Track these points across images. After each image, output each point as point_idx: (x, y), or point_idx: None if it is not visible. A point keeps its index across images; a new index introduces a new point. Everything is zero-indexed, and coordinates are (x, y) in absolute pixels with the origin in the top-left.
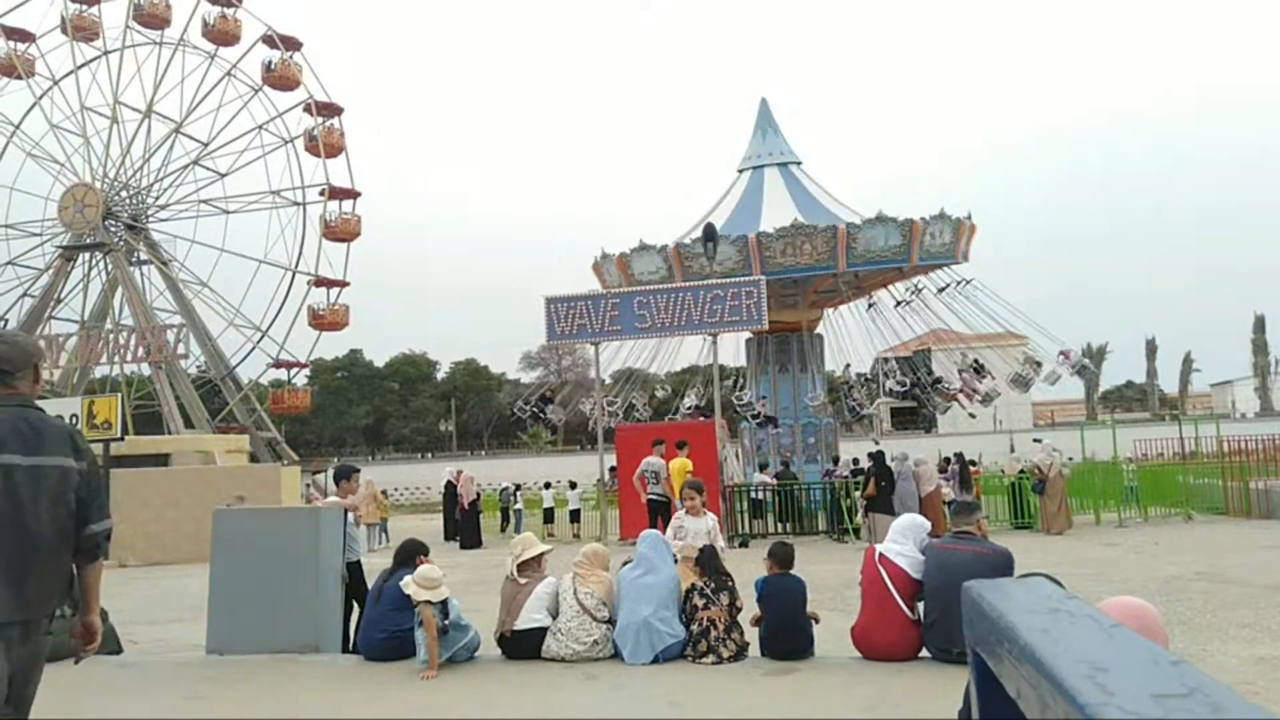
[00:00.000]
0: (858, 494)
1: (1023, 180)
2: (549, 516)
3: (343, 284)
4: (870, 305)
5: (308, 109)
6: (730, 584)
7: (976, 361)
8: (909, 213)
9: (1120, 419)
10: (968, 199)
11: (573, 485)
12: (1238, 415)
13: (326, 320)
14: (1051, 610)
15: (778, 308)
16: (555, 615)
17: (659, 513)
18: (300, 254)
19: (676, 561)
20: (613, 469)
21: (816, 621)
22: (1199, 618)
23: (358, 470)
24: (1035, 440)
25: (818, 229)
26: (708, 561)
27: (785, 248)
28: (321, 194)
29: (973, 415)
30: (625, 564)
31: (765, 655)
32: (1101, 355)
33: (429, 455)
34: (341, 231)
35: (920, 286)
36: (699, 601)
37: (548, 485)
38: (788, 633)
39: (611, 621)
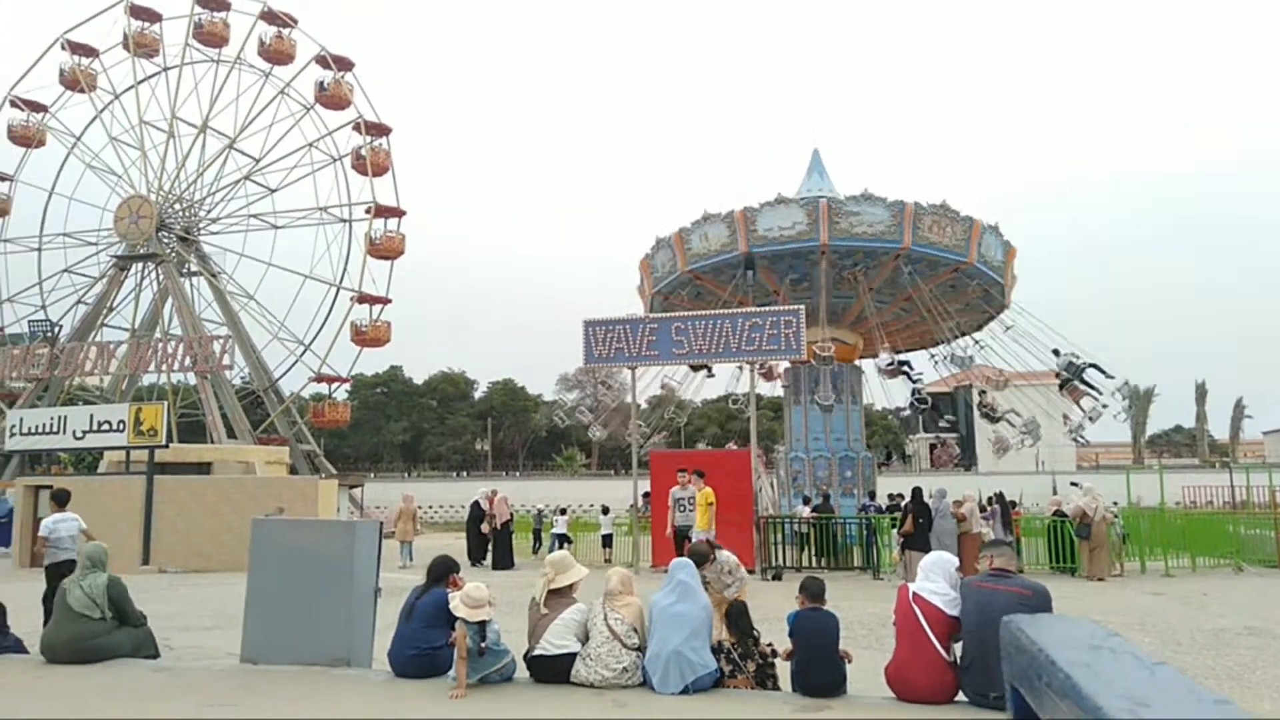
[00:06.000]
0: (894, 531)
1: (1064, 218)
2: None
3: (385, 301)
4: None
5: (357, 128)
6: (756, 645)
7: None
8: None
9: (1168, 464)
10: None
11: (605, 510)
12: None
13: (368, 336)
14: (1093, 646)
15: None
16: (584, 640)
17: (684, 543)
18: (345, 270)
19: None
20: (646, 494)
21: (849, 660)
22: (1249, 674)
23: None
24: (1072, 484)
25: (800, 201)
26: (737, 620)
27: (769, 222)
28: (367, 212)
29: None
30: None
31: (796, 691)
32: (1149, 398)
33: (464, 474)
34: (386, 249)
35: (971, 348)
36: (726, 667)
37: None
38: (819, 669)
39: (641, 649)
